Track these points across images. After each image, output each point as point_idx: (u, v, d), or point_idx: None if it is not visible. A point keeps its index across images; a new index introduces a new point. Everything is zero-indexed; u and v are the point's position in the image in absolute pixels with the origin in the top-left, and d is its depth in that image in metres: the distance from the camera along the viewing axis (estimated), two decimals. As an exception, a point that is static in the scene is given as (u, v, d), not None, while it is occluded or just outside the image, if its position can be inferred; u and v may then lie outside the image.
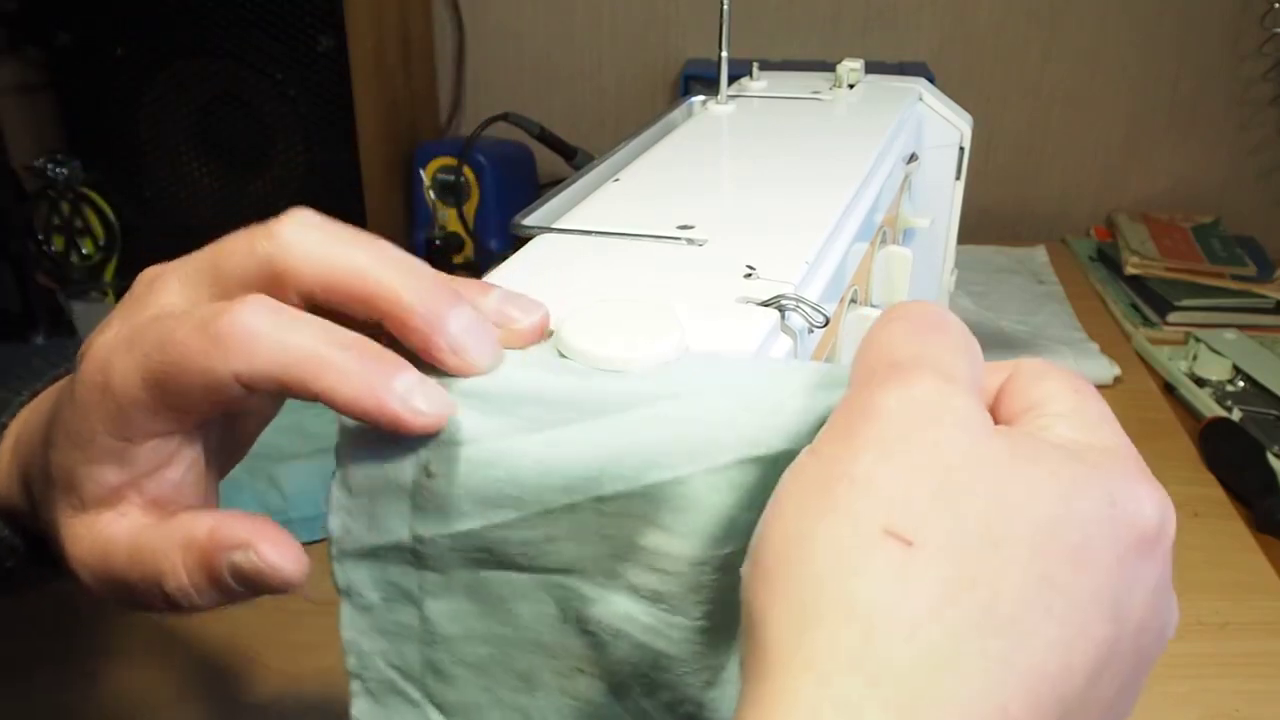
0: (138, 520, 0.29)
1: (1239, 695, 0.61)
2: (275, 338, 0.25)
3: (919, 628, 0.19)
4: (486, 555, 0.27)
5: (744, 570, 0.22)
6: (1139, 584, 0.21)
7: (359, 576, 0.29)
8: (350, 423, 0.27)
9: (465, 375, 0.26)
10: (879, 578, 0.20)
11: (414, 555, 0.28)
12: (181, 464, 0.29)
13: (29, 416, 0.34)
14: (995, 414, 0.24)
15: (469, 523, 0.27)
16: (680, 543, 0.25)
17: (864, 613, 0.19)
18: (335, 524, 0.28)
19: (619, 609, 0.26)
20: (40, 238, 1.10)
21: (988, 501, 0.20)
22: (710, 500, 0.25)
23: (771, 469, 0.25)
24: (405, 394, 0.25)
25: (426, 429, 0.26)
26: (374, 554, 0.28)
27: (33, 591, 0.37)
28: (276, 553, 0.27)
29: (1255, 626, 0.66)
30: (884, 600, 0.19)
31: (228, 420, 0.31)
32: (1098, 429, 0.23)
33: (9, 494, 0.33)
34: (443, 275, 0.28)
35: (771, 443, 0.25)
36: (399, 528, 0.27)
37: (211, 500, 0.31)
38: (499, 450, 0.26)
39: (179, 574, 0.28)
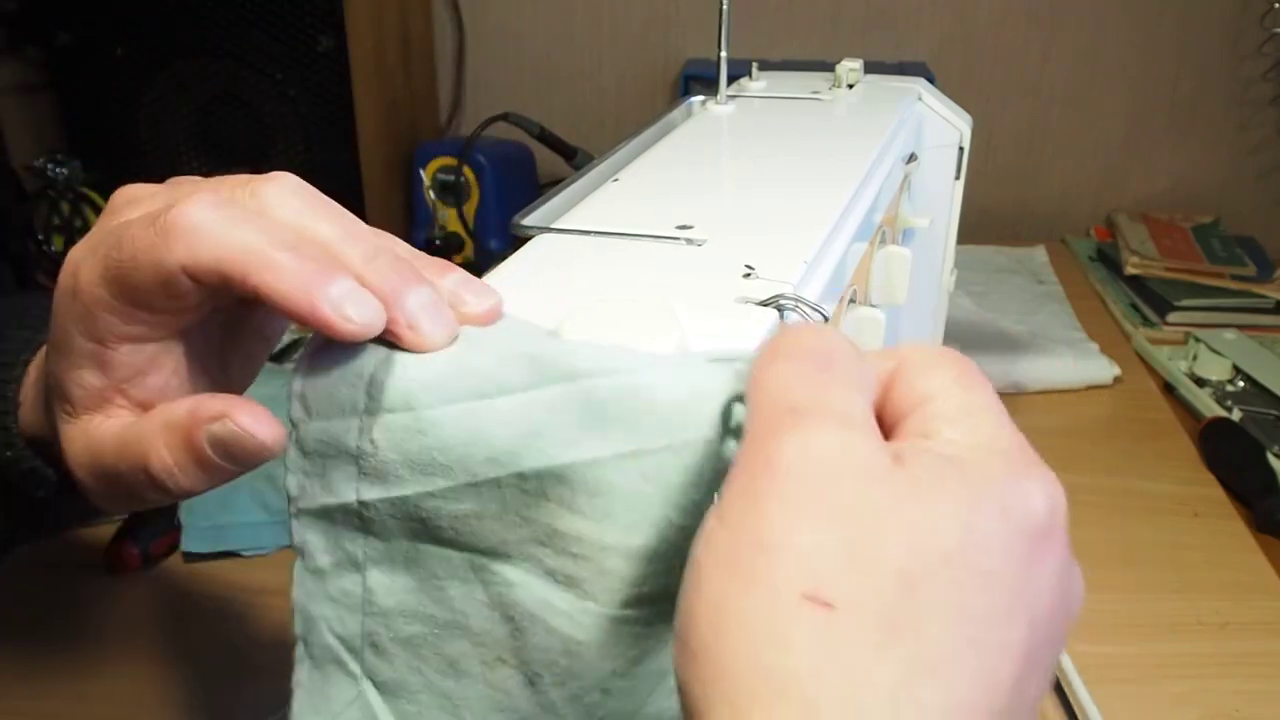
0: (125, 418, 0.30)
1: (1239, 695, 0.61)
2: (218, 231, 0.27)
3: (853, 693, 0.19)
4: (421, 526, 0.28)
5: (673, 652, 0.21)
6: (1043, 580, 0.22)
7: (313, 538, 0.29)
8: (299, 385, 0.28)
9: (419, 350, 0.27)
10: (807, 647, 0.19)
11: (360, 519, 0.28)
12: (163, 370, 0.30)
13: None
14: (884, 410, 0.24)
15: (404, 489, 0.27)
16: (593, 527, 0.26)
17: (798, 688, 0.19)
18: (292, 483, 0.29)
19: (538, 594, 0.27)
20: (40, 238, 1.10)
21: (898, 548, 0.20)
22: (624, 487, 0.25)
23: (690, 459, 0.25)
24: (339, 300, 0.26)
25: (355, 336, 0.26)
26: (327, 514, 0.29)
27: (61, 531, 0.38)
28: (252, 419, 0.28)
29: (1255, 626, 0.66)
30: (815, 671, 0.19)
31: (228, 334, 0.33)
32: (982, 428, 0.23)
33: (38, 425, 0.35)
34: (409, 257, 0.29)
35: (686, 431, 0.25)
36: (347, 490, 0.28)
37: None
38: (431, 419, 0.26)
39: (162, 455, 0.29)
